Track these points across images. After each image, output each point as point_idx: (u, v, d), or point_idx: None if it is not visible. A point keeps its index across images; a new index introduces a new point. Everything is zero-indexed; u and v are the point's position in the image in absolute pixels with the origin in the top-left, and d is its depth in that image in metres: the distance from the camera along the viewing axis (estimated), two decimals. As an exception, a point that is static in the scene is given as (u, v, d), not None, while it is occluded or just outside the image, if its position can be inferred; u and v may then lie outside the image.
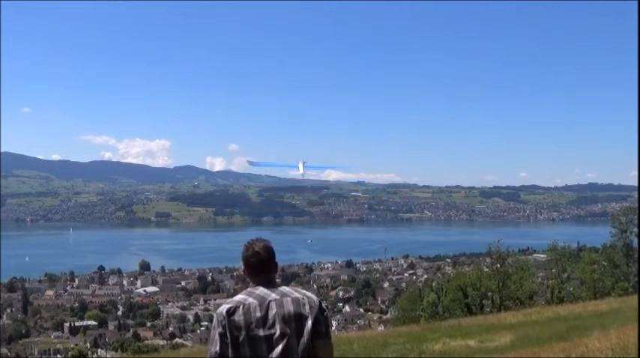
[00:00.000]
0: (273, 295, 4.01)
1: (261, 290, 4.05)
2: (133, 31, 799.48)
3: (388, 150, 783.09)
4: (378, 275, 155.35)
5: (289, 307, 3.95)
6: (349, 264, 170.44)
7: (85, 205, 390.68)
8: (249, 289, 4.13)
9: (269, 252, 4.28)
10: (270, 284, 4.12)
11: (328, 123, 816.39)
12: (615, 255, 41.52)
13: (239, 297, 4.05)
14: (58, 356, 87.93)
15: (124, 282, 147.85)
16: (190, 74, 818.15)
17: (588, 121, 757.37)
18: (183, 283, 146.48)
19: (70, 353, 77.96)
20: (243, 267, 4.31)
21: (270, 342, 3.86)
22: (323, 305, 4.10)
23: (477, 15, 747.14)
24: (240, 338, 3.85)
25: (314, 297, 4.10)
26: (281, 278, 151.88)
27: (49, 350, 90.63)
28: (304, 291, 4.17)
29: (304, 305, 4.00)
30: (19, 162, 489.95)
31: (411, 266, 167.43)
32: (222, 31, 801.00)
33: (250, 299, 3.99)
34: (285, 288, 4.11)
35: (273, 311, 3.92)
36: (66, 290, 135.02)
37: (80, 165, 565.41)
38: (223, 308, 3.97)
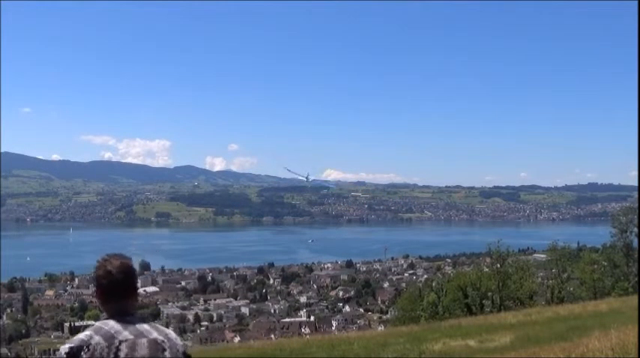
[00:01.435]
0: (125, 333, 3.17)
1: (111, 326, 3.19)
2: (134, 32, 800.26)
3: (388, 150, 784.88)
4: (378, 275, 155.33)
5: (143, 351, 3.14)
6: (349, 264, 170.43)
7: (85, 205, 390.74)
8: (98, 323, 3.26)
9: (126, 273, 3.31)
10: (125, 317, 3.25)
11: (328, 123, 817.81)
12: (615, 255, 41.50)
13: (84, 334, 3.20)
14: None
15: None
16: (190, 74, 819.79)
17: (588, 121, 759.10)
18: (183, 283, 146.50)
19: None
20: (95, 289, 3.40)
21: None
22: (187, 351, 3.33)
23: (477, 15, 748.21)
24: None
25: (178, 341, 3.30)
26: (281, 278, 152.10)
27: (49, 350, 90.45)
28: (167, 331, 3.34)
29: (164, 350, 3.20)
30: (19, 162, 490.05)
31: (411, 266, 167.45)
32: (223, 31, 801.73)
33: (97, 338, 3.14)
34: (143, 325, 3.25)
35: (122, 355, 3.11)
36: (66, 290, 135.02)
37: (80, 165, 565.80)
38: (63, 350, 3.16)
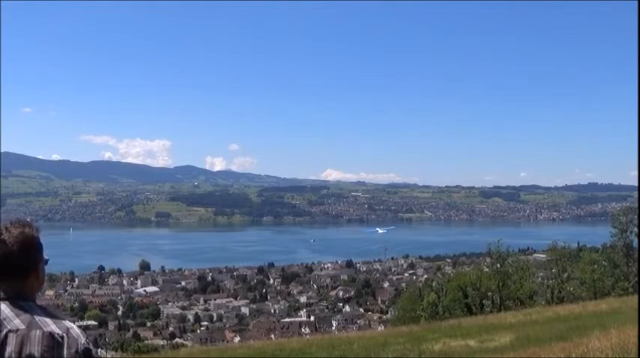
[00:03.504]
0: (15, 322, 2.55)
1: (1, 311, 2.58)
2: (134, 32, 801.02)
3: (388, 150, 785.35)
4: (378, 275, 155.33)
5: (34, 347, 2.50)
6: (349, 264, 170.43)
7: (85, 205, 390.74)
8: None
9: (26, 246, 2.71)
10: (20, 302, 2.62)
11: (328, 123, 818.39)
12: (615, 255, 41.43)
13: None
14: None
15: (124, 282, 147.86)
16: (190, 74, 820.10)
17: (588, 121, 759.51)
18: (183, 283, 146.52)
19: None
20: None
21: None
22: (92, 350, 2.65)
23: (477, 15, 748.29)
24: None
25: (80, 338, 2.61)
26: (281, 278, 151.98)
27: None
28: (69, 325, 2.64)
29: (60, 347, 2.54)
30: (19, 162, 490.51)
31: (411, 266, 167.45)
32: (223, 31, 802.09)
33: None
34: (40, 316, 2.60)
35: (9, 348, 2.50)
36: (66, 290, 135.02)
37: (80, 165, 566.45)
38: None
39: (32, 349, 2.50)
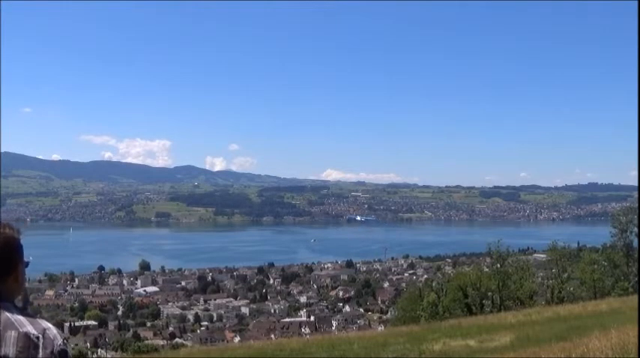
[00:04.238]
0: None
1: None
2: (134, 32, 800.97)
3: (388, 150, 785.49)
4: (378, 275, 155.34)
5: (9, 348, 2.49)
6: (349, 264, 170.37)
7: (85, 205, 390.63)
8: None
9: (4, 247, 2.67)
10: None
11: (328, 123, 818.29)
12: (615, 255, 41.46)
13: None
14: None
15: (124, 282, 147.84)
16: (191, 74, 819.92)
17: (588, 121, 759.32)
18: (183, 283, 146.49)
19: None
20: None
21: None
22: (69, 352, 2.63)
23: (478, 15, 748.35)
24: None
25: (57, 340, 2.58)
26: (281, 278, 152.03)
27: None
28: (47, 326, 2.62)
29: (36, 347, 2.52)
30: (19, 162, 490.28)
31: (411, 266, 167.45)
32: (223, 31, 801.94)
33: None
34: (17, 316, 2.59)
35: None
36: (66, 290, 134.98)
37: (80, 165, 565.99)
38: None
39: (7, 350, 2.47)
